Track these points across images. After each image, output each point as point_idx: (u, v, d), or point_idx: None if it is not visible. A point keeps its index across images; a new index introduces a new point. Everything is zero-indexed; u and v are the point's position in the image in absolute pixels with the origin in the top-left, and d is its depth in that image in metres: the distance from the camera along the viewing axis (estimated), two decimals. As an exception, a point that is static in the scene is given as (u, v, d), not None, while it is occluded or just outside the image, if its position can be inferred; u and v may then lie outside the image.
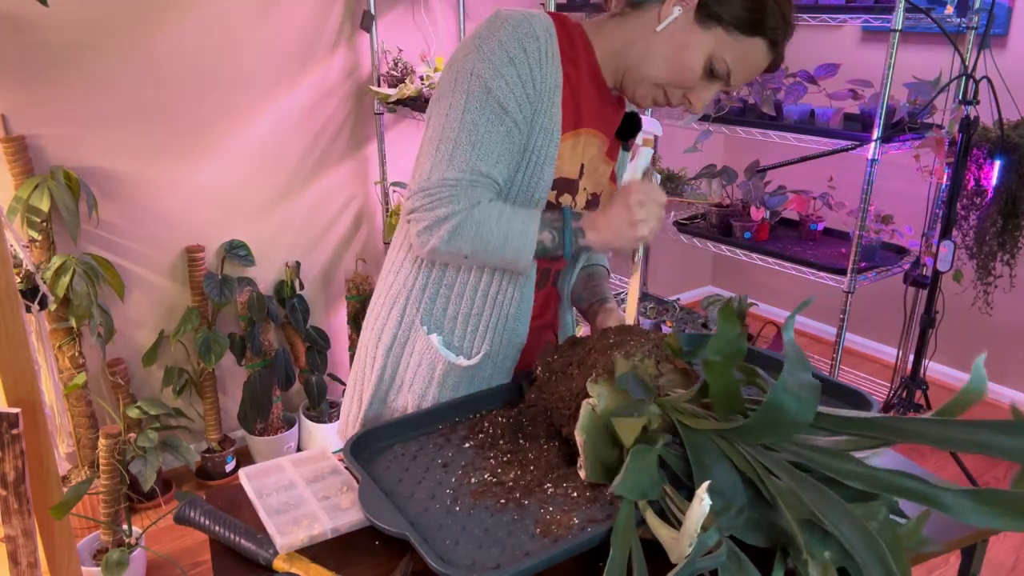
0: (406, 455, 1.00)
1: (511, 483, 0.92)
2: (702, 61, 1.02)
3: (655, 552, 0.87)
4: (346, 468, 1.00)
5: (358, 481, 0.90)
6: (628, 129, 1.16)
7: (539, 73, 1.02)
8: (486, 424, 1.06)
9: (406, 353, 1.19)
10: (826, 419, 0.82)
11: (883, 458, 0.82)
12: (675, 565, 0.73)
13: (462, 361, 1.15)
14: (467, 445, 1.01)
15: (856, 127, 2.39)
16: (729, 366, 0.83)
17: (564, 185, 1.11)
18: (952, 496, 0.71)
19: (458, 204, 1.01)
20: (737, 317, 0.87)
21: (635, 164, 1.10)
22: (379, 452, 1.01)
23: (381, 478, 0.95)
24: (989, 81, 2.15)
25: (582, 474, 0.89)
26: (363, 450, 0.99)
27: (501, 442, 1.02)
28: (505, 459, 0.97)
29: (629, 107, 1.19)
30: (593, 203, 1.17)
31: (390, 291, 1.21)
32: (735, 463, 0.80)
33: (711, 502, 0.70)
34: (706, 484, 0.71)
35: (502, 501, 0.89)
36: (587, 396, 0.90)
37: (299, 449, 2.73)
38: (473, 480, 0.93)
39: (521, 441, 1.02)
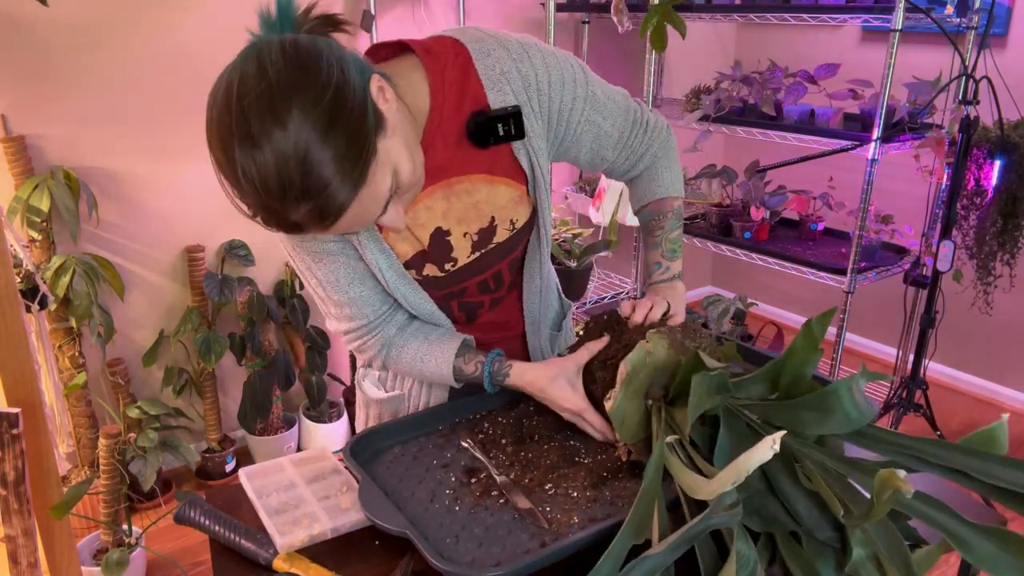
0: (406, 455, 1.00)
1: (512, 483, 0.92)
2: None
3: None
4: (346, 468, 1.00)
5: (358, 481, 0.90)
6: (481, 134, 0.97)
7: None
8: (486, 424, 1.06)
9: (356, 379, 1.26)
10: (867, 432, 0.84)
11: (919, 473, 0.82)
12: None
13: (375, 393, 1.20)
14: (467, 445, 1.01)
15: (856, 127, 2.39)
16: (818, 344, 0.85)
17: (418, 260, 1.03)
18: (975, 535, 0.71)
19: (370, 352, 1.09)
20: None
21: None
22: (379, 453, 1.01)
23: (381, 478, 0.95)
24: (989, 81, 2.15)
25: (608, 405, 0.91)
26: (363, 451, 0.99)
27: (502, 442, 1.02)
28: (505, 459, 0.98)
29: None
30: (486, 233, 1.05)
31: None
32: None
33: (777, 450, 0.70)
34: (781, 433, 0.70)
35: (502, 501, 0.89)
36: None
37: (299, 449, 2.73)
38: (473, 480, 0.93)
39: (521, 441, 1.02)
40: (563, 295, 1.32)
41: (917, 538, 0.80)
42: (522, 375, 1.04)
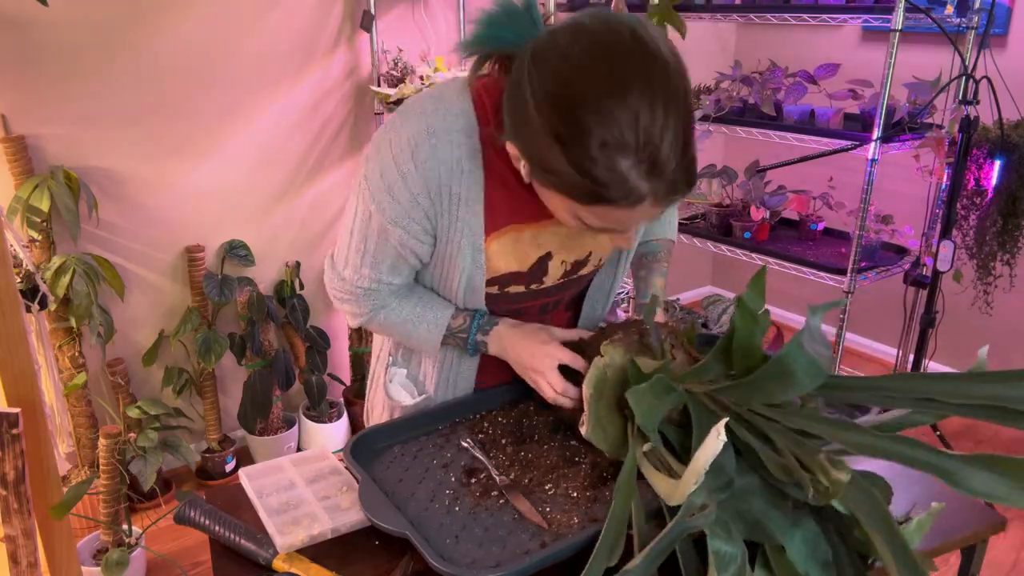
0: (406, 456, 1.00)
1: (512, 483, 0.92)
2: (570, 217, 0.86)
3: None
4: (346, 468, 1.00)
5: (358, 481, 0.90)
6: None
7: (430, 192, 0.92)
8: (486, 424, 1.06)
9: (375, 376, 1.23)
10: (836, 383, 0.81)
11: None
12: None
13: (403, 401, 1.16)
14: (467, 445, 1.01)
15: (856, 127, 2.39)
16: (758, 316, 0.82)
17: (508, 279, 1.03)
18: (957, 463, 0.68)
19: (359, 307, 1.06)
20: (760, 288, 0.86)
21: None
22: (379, 453, 1.01)
23: (381, 478, 0.95)
24: (989, 81, 2.15)
25: (583, 430, 0.89)
26: (363, 450, 0.99)
27: (502, 442, 1.02)
28: (505, 459, 0.98)
29: None
30: (577, 266, 1.07)
31: None
32: (734, 432, 0.79)
33: (725, 439, 0.69)
34: (724, 421, 0.70)
35: (502, 501, 0.89)
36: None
37: (299, 449, 2.73)
38: (473, 480, 0.93)
39: (521, 441, 1.02)
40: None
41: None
42: (502, 328, 1.05)
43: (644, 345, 0.94)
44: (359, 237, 1.00)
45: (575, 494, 0.89)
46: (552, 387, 1.00)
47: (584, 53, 0.75)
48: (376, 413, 1.23)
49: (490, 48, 0.87)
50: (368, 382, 1.27)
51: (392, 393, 1.17)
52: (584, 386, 0.89)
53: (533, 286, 1.06)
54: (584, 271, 1.09)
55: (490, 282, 1.03)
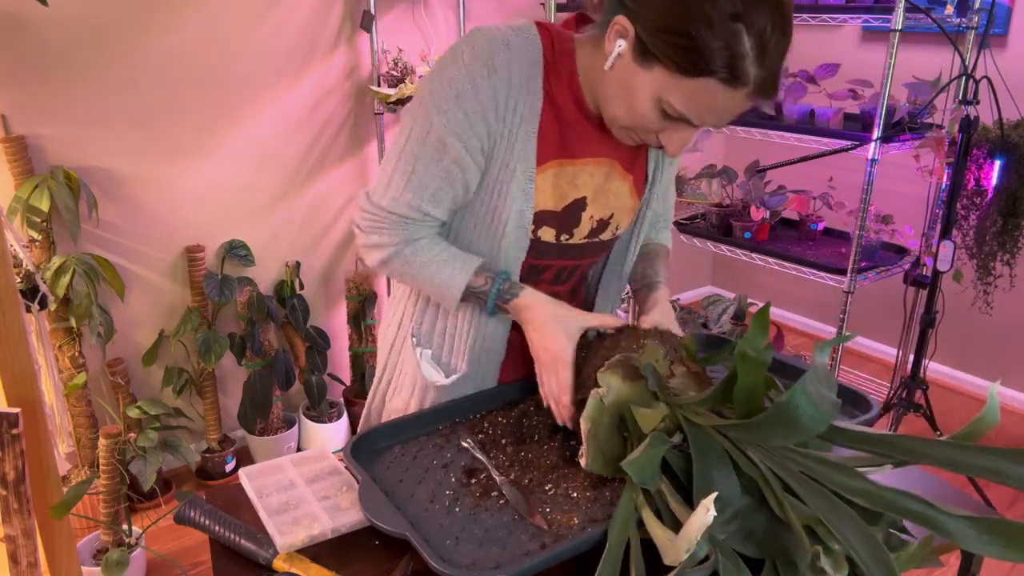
0: (406, 456, 1.00)
1: (511, 483, 0.92)
2: (651, 104, 0.89)
3: (649, 550, 0.87)
4: (346, 468, 1.00)
5: (358, 481, 0.90)
6: None
7: (497, 107, 0.95)
8: (486, 424, 1.06)
9: (401, 360, 1.20)
10: (838, 432, 0.82)
11: (902, 469, 0.81)
12: (668, 567, 0.73)
13: (439, 380, 1.15)
14: (467, 445, 1.01)
15: (856, 127, 2.39)
16: (763, 363, 0.81)
17: (542, 218, 1.04)
18: (955, 523, 0.70)
19: (389, 237, 1.03)
20: (763, 327, 0.85)
21: None
22: (379, 453, 1.01)
23: (381, 478, 0.94)
24: (989, 81, 2.15)
25: (582, 462, 0.88)
26: (363, 451, 0.99)
27: (502, 442, 1.02)
28: (505, 460, 0.98)
29: None
30: (602, 224, 1.09)
31: (396, 295, 1.22)
32: (739, 465, 0.79)
33: (715, 513, 0.70)
34: (712, 496, 0.70)
35: (502, 501, 0.89)
36: (596, 386, 0.90)
37: (299, 449, 2.73)
38: (473, 481, 0.93)
39: (521, 441, 1.02)
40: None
41: (902, 527, 0.79)
42: (530, 299, 1.03)
43: (637, 373, 0.92)
44: (408, 158, 0.98)
45: (575, 494, 0.89)
46: (559, 381, 1.00)
47: None
48: (402, 398, 1.18)
49: None
50: (380, 369, 1.24)
51: (425, 373, 1.15)
52: (582, 421, 0.88)
53: (563, 236, 1.06)
54: (604, 235, 1.10)
55: (532, 219, 1.04)
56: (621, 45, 0.88)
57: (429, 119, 0.96)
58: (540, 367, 1.03)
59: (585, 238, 1.09)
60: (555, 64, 0.98)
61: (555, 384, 1.01)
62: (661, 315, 1.11)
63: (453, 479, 0.94)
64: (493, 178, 1.00)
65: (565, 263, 1.11)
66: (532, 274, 1.10)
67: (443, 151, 0.96)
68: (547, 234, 1.05)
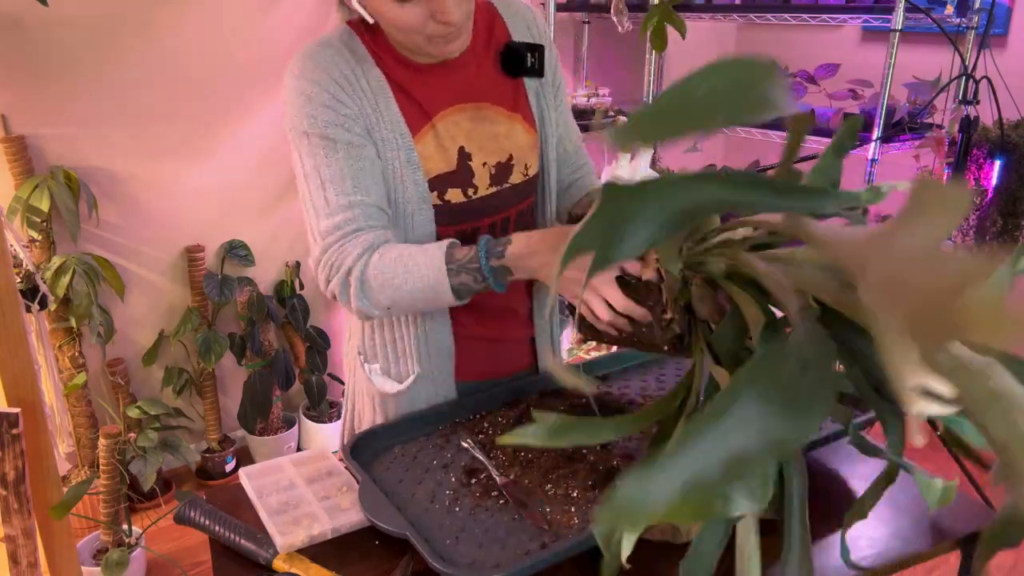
0: (406, 456, 1.00)
1: (512, 483, 0.92)
2: (391, 5, 0.90)
3: (655, 553, 0.87)
4: (346, 468, 1.00)
5: (358, 481, 0.90)
6: (513, 59, 1.08)
7: (344, 88, 0.98)
8: (486, 425, 1.06)
9: (356, 379, 1.21)
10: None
11: (902, 476, 0.79)
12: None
13: (392, 388, 1.15)
14: (467, 445, 1.01)
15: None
16: None
17: (442, 182, 1.03)
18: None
19: (350, 259, 0.96)
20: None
21: (635, 164, 1.10)
22: (379, 453, 1.01)
23: (381, 479, 0.95)
24: (989, 81, 2.15)
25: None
26: (363, 451, 0.99)
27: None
28: (505, 459, 0.98)
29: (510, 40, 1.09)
30: (503, 169, 1.08)
31: (348, 316, 1.22)
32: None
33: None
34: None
35: (502, 501, 0.89)
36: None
37: (299, 449, 2.73)
38: (473, 481, 0.93)
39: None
40: None
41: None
42: (523, 240, 0.92)
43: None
44: (312, 176, 0.99)
45: (575, 494, 0.89)
46: (614, 303, 0.86)
47: None
48: (368, 416, 1.19)
49: None
50: (346, 391, 1.25)
51: (377, 383, 1.15)
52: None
53: (469, 191, 1.06)
54: (514, 178, 1.09)
55: (430, 187, 1.03)
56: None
57: (303, 135, 0.99)
58: (590, 293, 0.87)
59: (491, 186, 1.07)
60: (375, 42, 1.02)
61: (617, 291, 0.85)
62: None
63: (453, 479, 0.94)
64: (382, 156, 1.01)
65: (491, 219, 1.10)
66: (466, 240, 1.06)
67: (331, 144, 0.98)
68: (455, 195, 1.05)
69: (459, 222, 1.07)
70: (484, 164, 1.07)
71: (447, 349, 1.14)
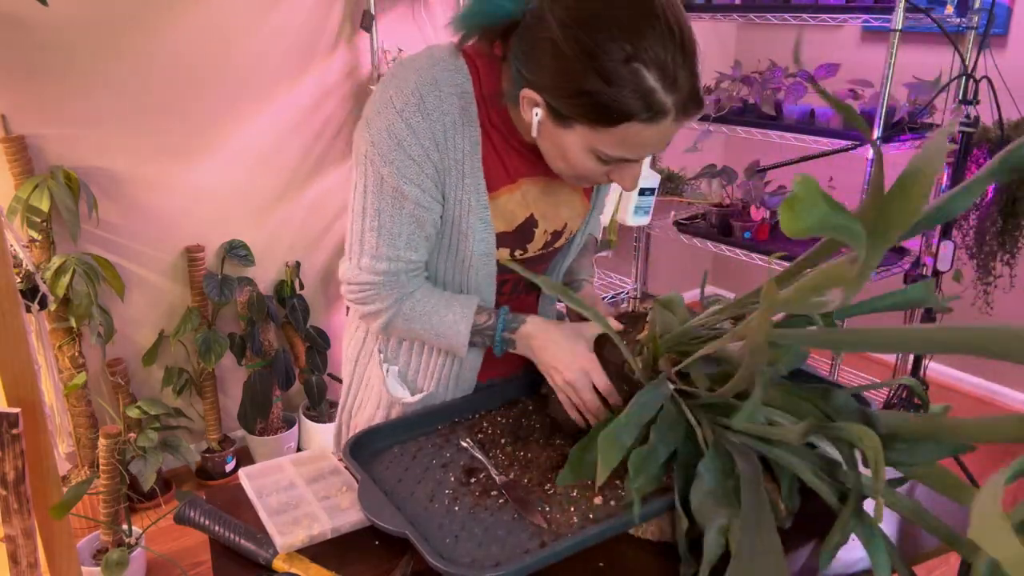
0: (405, 455, 1.00)
1: (511, 482, 0.92)
2: (585, 156, 0.90)
3: (654, 553, 0.87)
4: (346, 468, 1.00)
5: (357, 481, 0.90)
6: None
7: (439, 145, 0.95)
8: (485, 424, 1.06)
9: (367, 374, 1.20)
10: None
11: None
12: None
13: (404, 397, 1.15)
14: (466, 445, 1.01)
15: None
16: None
17: (501, 240, 1.05)
18: None
19: (383, 301, 1.03)
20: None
21: None
22: (378, 452, 1.01)
23: (381, 478, 0.94)
24: (989, 81, 2.15)
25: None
26: (362, 450, 0.99)
27: (502, 441, 1.02)
28: (505, 459, 0.98)
29: None
30: (555, 237, 1.11)
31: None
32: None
33: None
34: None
35: (502, 500, 0.89)
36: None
37: (299, 449, 2.73)
38: (473, 480, 0.93)
39: (520, 440, 1.02)
40: None
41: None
42: (534, 326, 1.03)
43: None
44: (371, 214, 0.99)
45: (575, 493, 0.89)
46: (584, 404, 0.99)
47: None
48: (369, 413, 1.19)
49: (488, 20, 0.89)
50: (346, 383, 1.23)
51: (391, 388, 1.15)
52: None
53: (517, 252, 1.07)
54: (559, 243, 1.13)
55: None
56: (538, 114, 0.89)
57: (378, 172, 0.96)
58: (568, 388, 1.00)
59: (540, 250, 1.10)
60: (485, 92, 0.97)
61: (592, 395, 0.98)
62: (602, 306, 1.15)
63: (452, 478, 0.94)
64: (450, 214, 1.00)
65: (518, 277, 1.12)
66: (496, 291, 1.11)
67: (402, 198, 0.97)
68: (502, 254, 1.06)
69: (497, 274, 1.09)
70: (545, 231, 1.08)
71: (468, 383, 1.15)
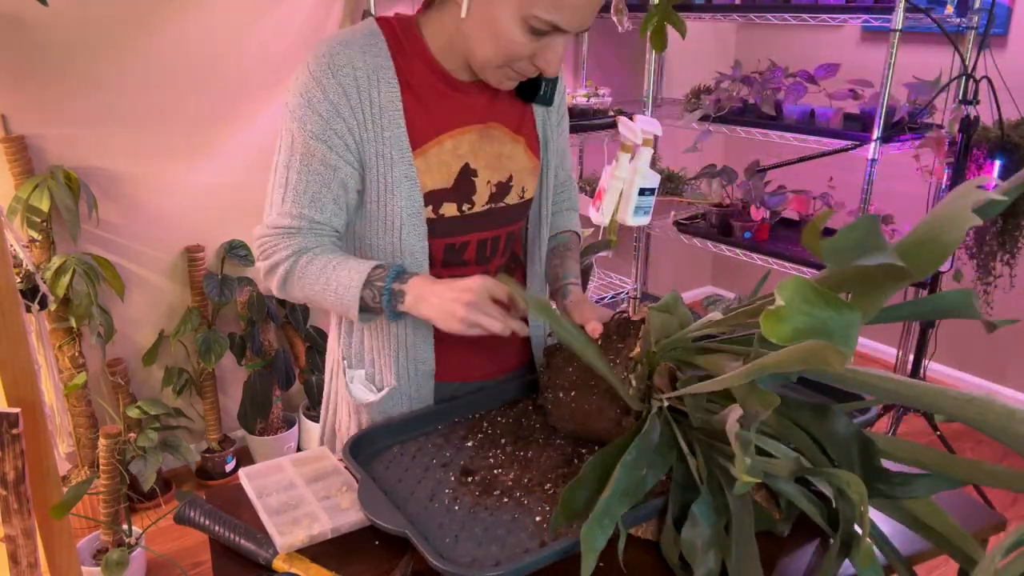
0: (405, 455, 1.00)
1: (511, 482, 0.92)
2: (517, 26, 0.91)
3: (643, 549, 0.87)
4: (346, 468, 1.00)
5: (358, 481, 0.90)
6: (528, 86, 1.08)
7: (350, 101, 0.97)
8: (485, 424, 1.06)
9: (337, 383, 1.21)
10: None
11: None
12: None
13: (368, 398, 1.15)
14: (467, 445, 1.01)
15: (856, 127, 2.39)
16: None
17: (438, 196, 1.04)
18: None
19: (282, 252, 1.03)
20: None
21: (635, 164, 1.10)
22: (378, 452, 1.01)
23: (380, 478, 0.95)
24: (989, 81, 2.15)
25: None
26: (362, 450, 0.99)
27: (502, 441, 1.02)
28: (504, 458, 0.98)
29: None
30: (502, 188, 1.09)
31: (332, 319, 1.22)
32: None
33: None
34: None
35: (504, 499, 0.89)
36: (586, 411, 0.95)
37: (299, 449, 2.73)
38: (472, 479, 0.93)
39: (520, 440, 1.02)
40: None
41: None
42: (419, 279, 0.99)
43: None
44: (281, 171, 1.02)
45: None
46: (494, 318, 0.96)
47: None
48: (344, 422, 1.19)
49: None
50: (325, 394, 1.24)
51: (354, 392, 1.16)
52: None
53: (465, 207, 1.06)
54: (510, 199, 1.11)
55: (424, 201, 1.03)
56: None
57: (290, 130, 1.00)
58: (474, 325, 0.96)
59: (488, 203, 1.09)
60: (403, 47, 1.00)
61: (495, 310, 0.96)
62: (591, 309, 1.11)
63: (452, 478, 0.94)
64: (374, 172, 1.01)
65: (482, 235, 1.10)
66: (452, 255, 1.09)
67: (310, 156, 0.99)
68: (449, 209, 1.05)
69: (449, 235, 1.07)
70: (488, 182, 1.08)
71: (426, 363, 1.13)
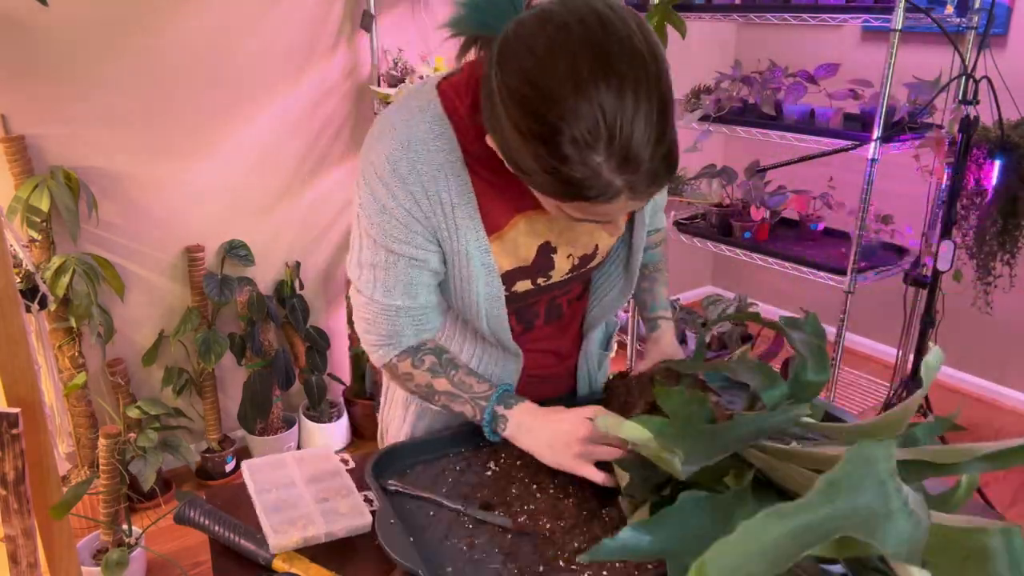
0: (425, 477, 0.99)
1: (527, 519, 0.90)
2: (553, 209, 0.84)
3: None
4: (348, 472, 1.00)
5: (370, 501, 0.89)
6: None
7: (420, 204, 0.91)
8: (503, 455, 1.04)
9: (392, 388, 1.20)
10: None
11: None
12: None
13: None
14: (488, 473, 1.00)
15: (856, 127, 2.39)
16: None
17: (517, 275, 1.00)
18: None
19: (385, 354, 1.03)
20: None
21: None
22: (402, 471, 1.00)
23: (399, 502, 0.93)
24: (989, 81, 2.15)
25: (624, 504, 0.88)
26: (385, 469, 0.98)
27: (520, 475, 0.99)
28: (526, 489, 0.96)
29: None
30: (585, 261, 1.05)
31: None
32: None
33: None
34: None
35: (515, 538, 0.87)
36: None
37: (299, 449, 2.73)
38: (488, 514, 0.92)
39: (542, 473, 0.99)
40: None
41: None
42: (526, 421, 0.97)
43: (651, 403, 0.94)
44: (367, 265, 0.98)
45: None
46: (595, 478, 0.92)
47: (547, 45, 0.72)
48: (393, 429, 1.19)
49: (468, 31, 0.84)
50: (382, 399, 1.23)
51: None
52: (616, 468, 0.88)
53: (540, 280, 1.03)
54: (593, 263, 1.07)
55: (501, 281, 1.01)
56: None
57: (370, 234, 0.95)
58: (582, 450, 0.92)
59: (567, 274, 1.05)
60: (469, 129, 0.91)
61: (599, 478, 0.92)
62: (656, 352, 1.10)
63: (467, 514, 0.92)
64: (451, 261, 0.98)
65: (552, 295, 1.09)
66: (523, 320, 1.08)
67: (394, 256, 0.95)
68: (522, 286, 1.02)
69: (521, 304, 1.06)
70: (569, 256, 1.03)
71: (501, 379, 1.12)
